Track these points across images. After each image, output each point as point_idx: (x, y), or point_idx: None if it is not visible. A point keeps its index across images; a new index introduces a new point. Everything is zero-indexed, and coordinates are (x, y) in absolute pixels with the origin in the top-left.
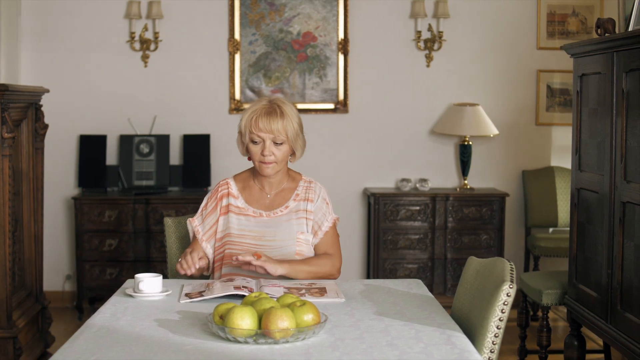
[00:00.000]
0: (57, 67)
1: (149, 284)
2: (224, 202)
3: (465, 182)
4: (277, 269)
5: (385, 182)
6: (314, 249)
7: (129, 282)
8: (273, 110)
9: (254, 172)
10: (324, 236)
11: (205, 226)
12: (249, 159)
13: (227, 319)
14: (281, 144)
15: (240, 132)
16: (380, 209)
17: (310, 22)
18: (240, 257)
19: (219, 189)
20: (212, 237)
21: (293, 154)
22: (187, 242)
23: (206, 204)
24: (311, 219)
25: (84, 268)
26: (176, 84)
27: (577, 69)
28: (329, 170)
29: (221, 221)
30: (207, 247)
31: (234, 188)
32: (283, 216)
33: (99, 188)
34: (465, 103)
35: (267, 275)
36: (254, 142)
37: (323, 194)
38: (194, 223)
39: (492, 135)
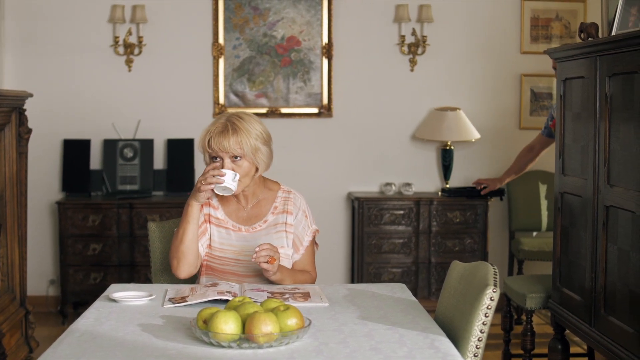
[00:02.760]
0: (40, 72)
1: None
2: (206, 210)
3: (447, 186)
4: (276, 274)
5: (369, 186)
6: (293, 264)
7: (112, 287)
8: (226, 128)
9: None
10: (304, 252)
11: (199, 221)
12: None
13: (211, 324)
14: (239, 158)
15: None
16: (365, 213)
17: (294, 26)
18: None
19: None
20: (202, 235)
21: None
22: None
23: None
24: (291, 232)
25: (68, 273)
26: (160, 88)
27: (560, 73)
28: (313, 174)
29: (205, 227)
30: (200, 245)
31: (214, 199)
32: (262, 231)
33: (83, 192)
34: (447, 107)
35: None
36: (215, 160)
37: (303, 205)
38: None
39: (473, 140)
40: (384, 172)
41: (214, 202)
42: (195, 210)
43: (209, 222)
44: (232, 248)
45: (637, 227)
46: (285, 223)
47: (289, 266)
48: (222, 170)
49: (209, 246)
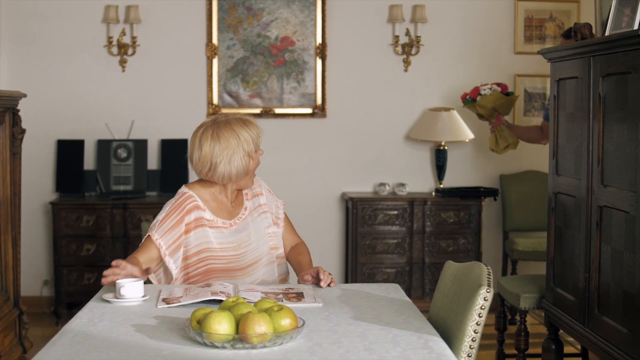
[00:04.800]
0: (34, 72)
1: (131, 289)
2: (193, 215)
3: (441, 186)
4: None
5: (363, 187)
6: (282, 240)
7: (106, 287)
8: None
9: (208, 184)
10: (285, 224)
11: (168, 240)
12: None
13: (205, 324)
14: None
15: (248, 154)
16: (358, 214)
17: (288, 26)
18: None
19: (185, 203)
20: (175, 252)
21: None
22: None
23: (165, 217)
24: (267, 211)
25: (62, 273)
26: (154, 88)
27: (554, 73)
28: (307, 174)
29: (192, 236)
30: (170, 262)
31: (199, 201)
32: (247, 217)
33: (77, 193)
34: (440, 108)
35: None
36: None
37: (264, 184)
38: (154, 237)
39: (467, 140)
40: (378, 173)
41: (201, 204)
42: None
43: (201, 225)
44: (231, 245)
45: (630, 227)
46: (260, 204)
47: (280, 244)
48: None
49: (207, 249)
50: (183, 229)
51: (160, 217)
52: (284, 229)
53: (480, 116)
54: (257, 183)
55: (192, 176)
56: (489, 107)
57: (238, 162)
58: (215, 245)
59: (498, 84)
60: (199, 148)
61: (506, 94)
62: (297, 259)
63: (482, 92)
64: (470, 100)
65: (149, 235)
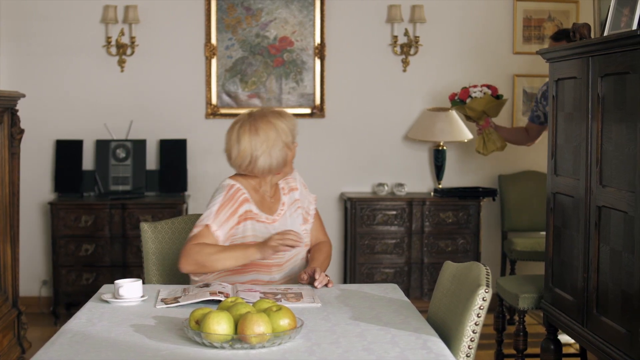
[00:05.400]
0: (33, 72)
1: (129, 289)
2: (244, 208)
3: (440, 186)
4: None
5: (361, 187)
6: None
7: (105, 288)
8: None
9: (249, 178)
10: (314, 220)
11: (224, 232)
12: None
13: (203, 324)
14: None
15: (287, 145)
16: (357, 214)
17: (287, 26)
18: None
19: (237, 195)
20: (232, 228)
21: None
22: (164, 246)
23: (220, 208)
24: (300, 206)
25: (60, 273)
26: (153, 88)
27: (552, 73)
28: (306, 174)
29: (241, 228)
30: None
31: (247, 194)
32: (286, 213)
33: (75, 193)
34: (439, 108)
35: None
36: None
37: (299, 178)
38: (213, 228)
39: (466, 141)
40: (377, 173)
41: (248, 196)
42: (251, 260)
43: (250, 218)
44: None
45: (629, 227)
46: (295, 199)
47: (309, 240)
48: None
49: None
50: (235, 221)
51: (214, 208)
52: (312, 225)
53: (468, 118)
54: (292, 177)
55: (191, 176)
56: (479, 109)
57: (277, 154)
58: (261, 239)
59: (488, 86)
60: (237, 143)
61: (496, 96)
62: (312, 256)
63: (473, 95)
64: (459, 101)
65: (207, 225)
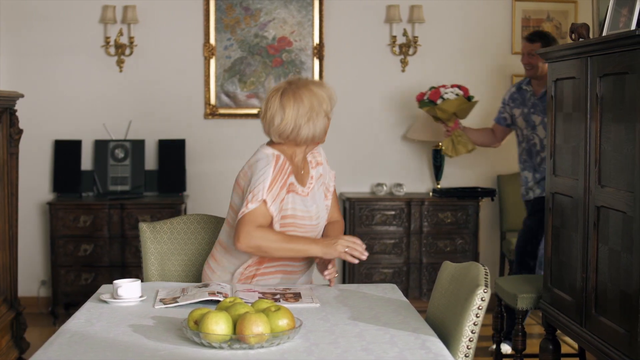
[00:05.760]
0: (31, 72)
1: (128, 289)
2: (290, 179)
3: (438, 186)
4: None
5: (360, 187)
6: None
7: (104, 288)
8: None
9: (285, 147)
10: (332, 197)
11: (277, 206)
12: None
13: (202, 324)
14: None
15: (326, 114)
16: (356, 214)
17: (286, 27)
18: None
19: (285, 167)
20: (280, 200)
21: None
22: (162, 246)
23: (273, 182)
24: (323, 182)
25: (59, 273)
26: (151, 89)
27: (551, 73)
28: None
29: (285, 200)
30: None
31: (287, 164)
32: (314, 187)
33: (74, 193)
34: None
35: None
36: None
37: (323, 153)
38: (269, 203)
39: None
40: (375, 173)
41: (289, 167)
42: (310, 255)
43: (292, 191)
44: (308, 214)
45: (627, 227)
46: (320, 174)
47: (327, 216)
48: None
49: (292, 215)
50: (284, 194)
51: (266, 181)
52: (330, 203)
53: (437, 119)
54: (317, 150)
55: (189, 176)
56: (451, 111)
57: (320, 123)
58: (299, 213)
59: (459, 87)
60: (281, 111)
61: (467, 98)
62: (326, 233)
63: (445, 96)
64: (429, 102)
65: (264, 200)
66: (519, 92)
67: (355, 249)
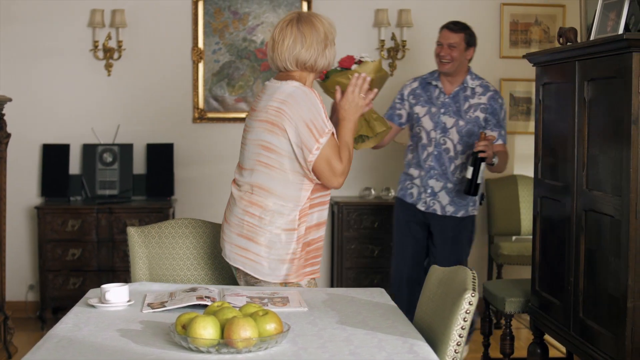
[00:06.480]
0: (19, 76)
1: (116, 293)
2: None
3: None
4: None
5: (348, 191)
6: None
7: (91, 292)
8: None
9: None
10: None
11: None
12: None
13: (190, 329)
14: None
15: (334, 42)
16: (344, 218)
17: None
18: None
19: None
20: None
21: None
22: (151, 251)
23: (325, 111)
24: None
25: (47, 278)
26: (140, 93)
27: (539, 77)
28: None
29: None
30: None
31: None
32: None
33: (62, 197)
34: None
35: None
36: None
37: None
38: (334, 132)
39: None
40: (363, 177)
41: None
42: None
43: None
44: None
45: (615, 231)
46: None
47: None
48: None
49: None
50: None
51: (322, 113)
52: None
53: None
54: None
55: (178, 180)
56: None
57: (333, 51)
58: None
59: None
60: (301, 37)
61: None
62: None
63: (364, 59)
64: (339, 70)
65: (332, 132)
66: (424, 88)
67: (361, 85)
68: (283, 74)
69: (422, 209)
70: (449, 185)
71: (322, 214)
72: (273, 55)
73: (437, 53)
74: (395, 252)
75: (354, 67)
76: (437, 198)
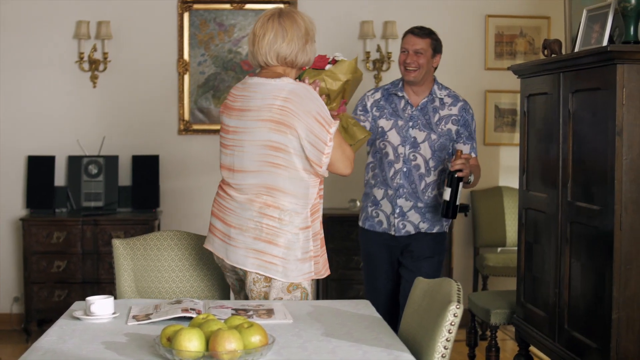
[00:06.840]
0: (4, 87)
1: (101, 306)
2: None
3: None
4: None
5: (334, 203)
6: None
7: (76, 304)
8: None
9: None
10: None
11: None
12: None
13: (175, 341)
14: None
15: (313, 39)
16: (330, 230)
17: None
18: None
19: None
20: None
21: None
22: (136, 263)
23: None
24: None
25: (32, 290)
26: (125, 104)
27: (524, 89)
28: None
29: None
30: None
31: None
32: None
33: (47, 209)
34: None
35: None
36: None
37: None
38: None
39: None
40: (349, 189)
41: None
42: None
43: None
44: None
45: (600, 243)
46: None
47: None
48: None
49: None
50: None
51: (324, 107)
52: None
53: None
54: None
55: (163, 192)
56: (343, 79)
57: (313, 48)
58: None
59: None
60: (282, 31)
61: None
62: None
63: (338, 58)
64: (312, 70)
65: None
66: (387, 100)
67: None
68: (268, 71)
69: (394, 233)
70: (419, 204)
71: (321, 206)
72: (254, 49)
73: (401, 61)
74: (368, 288)
75: (328, 67)
76: (407, 218)
